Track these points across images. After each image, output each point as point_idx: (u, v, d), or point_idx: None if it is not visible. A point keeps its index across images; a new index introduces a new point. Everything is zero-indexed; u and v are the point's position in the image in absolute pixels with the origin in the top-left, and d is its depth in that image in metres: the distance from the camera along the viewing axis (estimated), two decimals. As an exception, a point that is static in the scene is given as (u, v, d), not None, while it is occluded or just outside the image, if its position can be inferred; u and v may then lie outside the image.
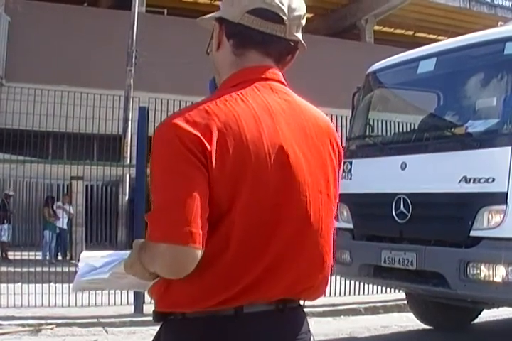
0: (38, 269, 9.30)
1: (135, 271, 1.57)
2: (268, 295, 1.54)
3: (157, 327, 1.65)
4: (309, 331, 1.64)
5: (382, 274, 6.13)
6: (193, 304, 1.51)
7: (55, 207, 15.22)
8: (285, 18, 1.63)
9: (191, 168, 1.46)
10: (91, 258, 1.71)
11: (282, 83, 1.68)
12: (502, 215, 5.04)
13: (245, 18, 1.62)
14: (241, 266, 1.50)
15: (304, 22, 1.70)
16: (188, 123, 1.48)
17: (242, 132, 1.51)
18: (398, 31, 26.63)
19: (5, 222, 15.08)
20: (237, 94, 1.57)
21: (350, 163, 6.40)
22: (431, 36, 25.05)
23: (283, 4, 1.63)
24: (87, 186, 15.78)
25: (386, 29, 26.02)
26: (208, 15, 1.73)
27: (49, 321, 7.46)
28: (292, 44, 1.68)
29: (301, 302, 1.65)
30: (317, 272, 1.63)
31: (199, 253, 1.45)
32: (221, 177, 1.48)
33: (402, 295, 7.96)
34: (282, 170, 1.54)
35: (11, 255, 13.87)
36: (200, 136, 1.47)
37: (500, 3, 23.97)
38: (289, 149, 1.56)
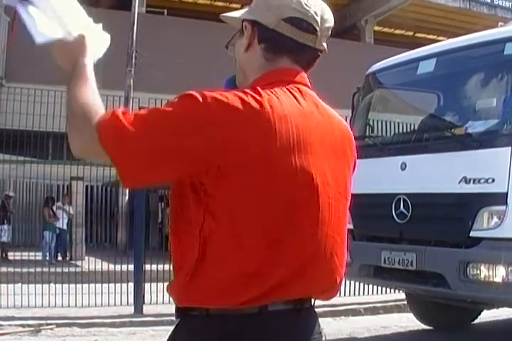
0: (38, 270, 9.30)
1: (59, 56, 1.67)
2: (290, 295, 1.55)
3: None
4: (321, 332, 1.66)
5: (382, 275, 6.13)
6: (220, 300, 1.51)
7: (54, 208, 15.21)
8: (318, 28, 1.67)
9: (201, 144, 1.46)
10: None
11: (308, 87, 1.71)
12: (502, 216, 5.05)
13: (281, 25, 1.65)
14: (267, 265, 1.51)
15: (330, 33, 1.74)
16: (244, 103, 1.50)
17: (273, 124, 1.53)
18: (398, 32, 26.64)
19: (5, 222, 15.08)
20: (272, 92, 1.57)
21: (350, 164, 6.40)
22: (431, 37, 25.06)
23: (317, 15, 1.67)
24: (87, 187, 15.77)
25: (386, 29, 26.03)
26: (236, 14, 1.75)
27: (49, 321, 7.46)
28: (319, 53, 1.73)
29: (312, 302, 1.67)
30: (335, 272, 1.66)
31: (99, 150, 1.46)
32: (244, 162, 1.48)
33: (402, 295, 7.96)
34: (306, 171, 1.56)
35: (11, 255, 13.87)
36: (244, 118, 1.48)
37: (500, 3, 23.96)
38: (316, 152, 1.58)
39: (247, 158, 1.49)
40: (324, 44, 1.72)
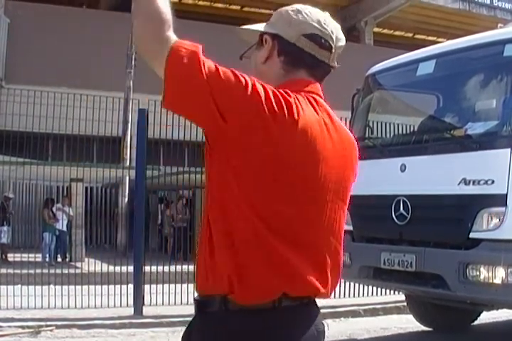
0: (38, 271, 9.28)
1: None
2: (293, 293, 1.62)
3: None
4: (323, 322, 1.73)
5: (381, 276, 6.13)
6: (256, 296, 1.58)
7: (54, 209, 15.20)
8: (333, 46, 1.78)
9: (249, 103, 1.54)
10: None
11: (322, 98, 1.77)
12: (501, 217, 5.05)
13: (301, 41, 1.74)
14: (264, 264, 1.59)
15: (341, 51, 1.83)
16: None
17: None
18: (398, 33, 26.67)
19: (4, 223, 15.07)
20: (297, 98, 1.64)
21: (350, 165, 6.39)
22: (430, 38, 25.10)
23: (333, 33, 1.78)
24: (86, 188, 15.76)
25: (386, 31, 26.07)
26: (254, 27, 1.82)
27: (49, 323, 7.46)
28: (331, 70, 1.82)
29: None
30: (333, 271, 1.72)
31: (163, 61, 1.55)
32: (254, 162, 1.56)
33: (401, 297, 7.96)
34: (314, 177, 1.65)
35: (10, 257, 13.86)
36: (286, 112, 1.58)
37: (500, 5, 23.98)
38: (326, 161, 1.67)
39: (259, 157, 1.57)
40: (336, 61, 1.81)
